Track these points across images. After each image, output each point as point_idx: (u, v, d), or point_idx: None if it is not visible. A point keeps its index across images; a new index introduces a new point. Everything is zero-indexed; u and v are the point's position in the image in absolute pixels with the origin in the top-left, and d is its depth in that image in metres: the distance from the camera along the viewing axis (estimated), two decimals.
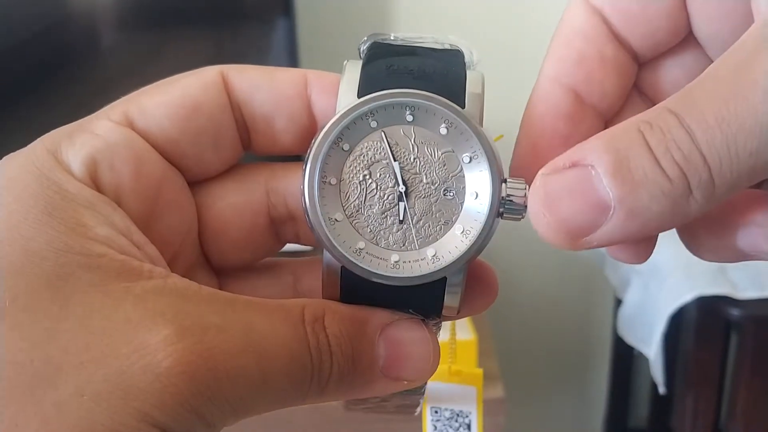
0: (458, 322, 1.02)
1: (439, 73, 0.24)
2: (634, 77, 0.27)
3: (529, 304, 1.55)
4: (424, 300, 0.24)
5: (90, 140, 0.24)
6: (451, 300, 0.24)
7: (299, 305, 0.24)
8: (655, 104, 0.26)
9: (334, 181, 0.24)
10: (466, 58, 0.25)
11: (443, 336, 0.96)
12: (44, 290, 0.21)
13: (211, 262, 0.28)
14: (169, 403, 0.20)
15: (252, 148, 0.27)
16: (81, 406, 0.20)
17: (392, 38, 0.25)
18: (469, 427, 0.46)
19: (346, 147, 0.24)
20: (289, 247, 0.30)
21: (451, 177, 0.24)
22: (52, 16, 1.12)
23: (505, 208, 0.24)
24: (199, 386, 0.21)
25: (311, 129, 0.26)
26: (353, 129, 0.24)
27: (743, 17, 0.23)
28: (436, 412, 0.45)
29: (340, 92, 0.24)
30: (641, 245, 0.26)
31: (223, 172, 0.28)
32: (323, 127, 0.24)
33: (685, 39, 0.26)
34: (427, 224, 0.24)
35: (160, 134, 0.26)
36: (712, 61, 0.22)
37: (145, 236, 0.24)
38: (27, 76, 1.10)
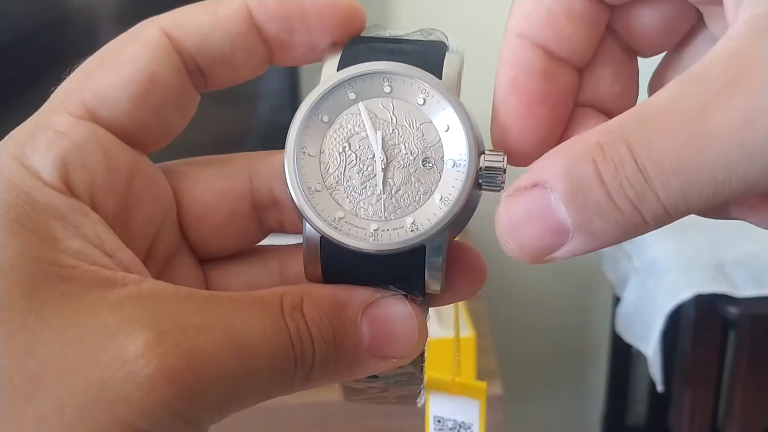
0: (458, 321, 1.02)
1: (417, 51, 0.24)
2: (606, 22, 0.26)
3: (527, 301, 1.55)
4: (406, 275, 0.24)
5: (56, 140, 0.23)
6: (432, 276, 0.24)
7: (277, 295, 0.24)
8: (629, 47, 0.27)
9: (313, 152, 0.24)
10: (450, 46, 0.25)
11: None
12: (18, 301, 0.21)
13: (194, 251, 0.28)
14: (153, 410, 0.20)
15: (211, 87, 0.27)
16: (63, 419, 0.20)
17: (376, 26, 0.26)
18: None
19: (325, 119, 0.24)
20: (277, 240, 0.29)
21: (430, 147, 0.24)
22: (51, 12, 1.12)
23: (483, 179, 0.24)
24: (182, 390, 0.21)
25: (267, 54, 0.26)
26: (332, 101, 0.24)
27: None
28: (439, 421, 0.46)
29: (323, 69, 0.24)
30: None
31: (202, 159, 0.28)
32: (304, 102, 0.24)
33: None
34: (406, 194, 0.24)
35: (124, 118, 0.25)
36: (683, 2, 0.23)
37: (119, 237, 0.24)
38: (25, 73, 1.10)
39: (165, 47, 0.25)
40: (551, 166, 0.22)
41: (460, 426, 0.46)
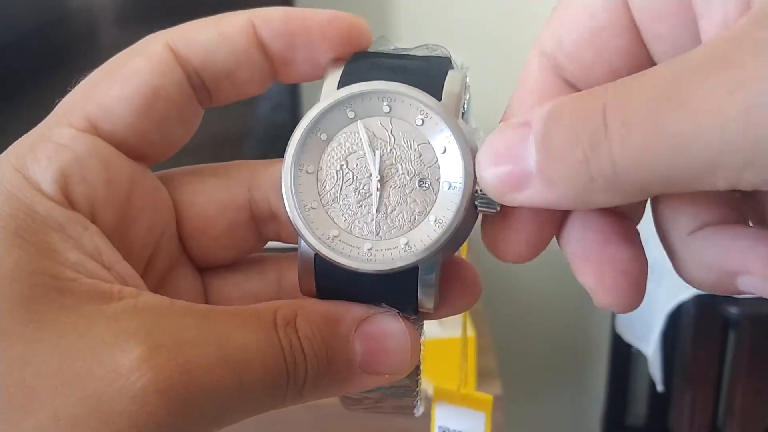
0: (457, 320, 1.02)
1: (419, 70, 0.24)
2: None
3: (527, 301, 1.55)
4: (399, 294, 0.24)
5: (57, 153, 0.24)
6: (424, 295, 0.24)
7: (272, 309, 0.24)
8: None
9: (311, 169, 0.24)
10: (454, 62, 0.25)
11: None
12: (16, 312, 0.21)
13: (193, 261, 0.28)
14: (147, 424, 0.20)
15: (215, 102, 0.27)
16: (59, 430, 0.20)
17: (379, 46, 0.26)
18: None
19: (323, 137, 0.24)
20: (275, 244, 0.29)
21: (427, 168, 0.24)
22: (51, 13, 1.12)
23: (479, 201, 0.24)
24: (175, 404, 0.21)
25: (271, 71, 0.26)
26: (331, 118, 0.24)
27: (696, 39, 0.22)
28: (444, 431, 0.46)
29: (324, 86, 0.24)
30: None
31: (203, 169, 0.28)
32: (303, 119, 0.24)
33: (649, 65, 0.24)
34: (401, 214, 0.24)
35: (127, 132, 0.25)
36: None
37: (118, 250, 0.24)
38: (26, 73, 1.10)
39: (169, 62, 0.25)
40: (542, 107, 0.22)
41: None
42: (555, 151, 0.21)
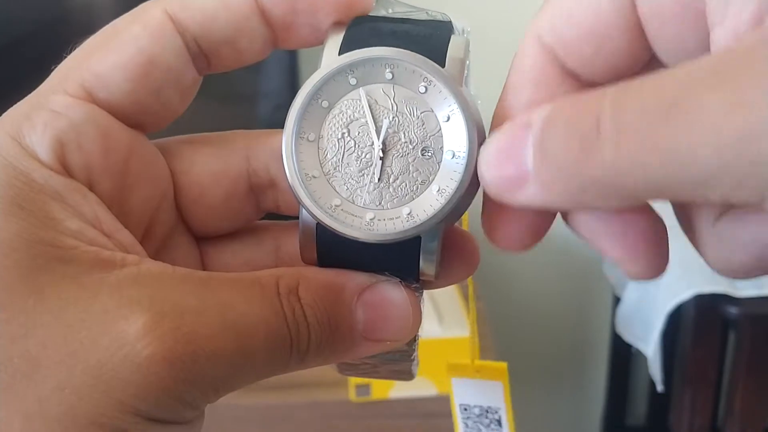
0: (457, 320, 1.03)
1: (422, 36, 0.24)
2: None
3: (527, 301, 1.55)
4: (401, 263, 0.24)
5: (53, 120, 0.23)
6: (426, 263, 0.24)
7: (274, 277, 0.24)
8: None
9: (312, 137, 0.24)
10: (455, 27, 0.25)
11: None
12: (18, 283, 0.21)
13: (191, 230, 0.28)
14: (152, 392, 0.20)
15: (213, 69, 0.27)
16: (63, 400, 0.20)
17: (380, 9, 0.25)
18: (499, 422, 0.45)
19: (325, 104, 0.24)
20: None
21: (430, 136, 0.24)
22: (51, 12, 1.12)
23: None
24: (180, 372, 0.21)
25: (271, 37, 0.26)
26: (332, 85, 0.24)
27: (703, 42, 0.22)
28: (465, 409, 0.45)
29: (324, 52, 0.24)
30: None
31: (200, 138, 0.28)
32: (304, 86, 0.24)
33: (650, 61, 0.24)
34: (404, 183, 0.24)
35: (123, 99, 0.25)
36: None
37: (117, 218, 0.24)
38: (26, 73, 1.10)
39: (167, 29, 0.25)
40: (545, 107, 0.21)
41: (487, 411, 0.45)
42: (550, 154, 0.21)
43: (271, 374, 0.23)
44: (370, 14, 0.25)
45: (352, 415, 1.02)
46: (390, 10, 0.25)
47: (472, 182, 0.24)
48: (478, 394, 0.44)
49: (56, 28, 1.10)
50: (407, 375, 0.28)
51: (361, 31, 0.24)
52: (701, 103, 0.18)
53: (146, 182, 0.26)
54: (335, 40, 0.24)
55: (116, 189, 0.25)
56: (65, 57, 0.25)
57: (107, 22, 0.26)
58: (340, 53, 0.24)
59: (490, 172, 0.22)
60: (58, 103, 0.24)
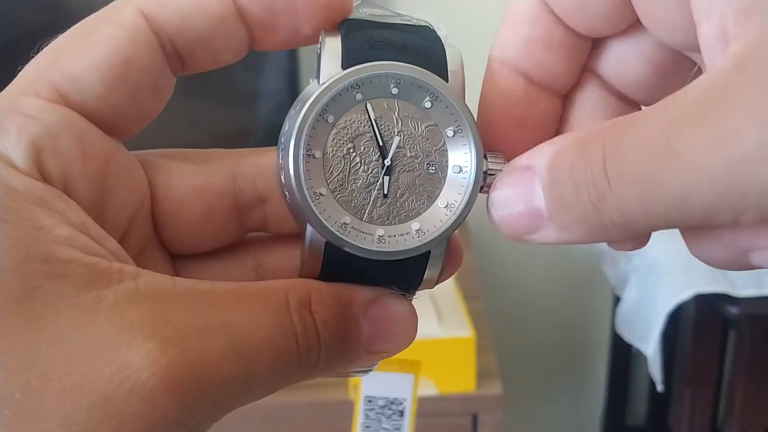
0: (457, 320, 1.02)
1: (419, 47, 0.24)
2: (587, 53, 0.26)
3: (527, 301, 1.55)
4: (406, 274, 0.24)
5: (27, 125, 0.22)
6: (432, 272, 0.25)
7: (283, 289, 0.23)
8: (608, 83, 0.27)
9: (318, 154, 0.23)
10: (438, 34, 0.25)
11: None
12: (12, 309, 0.20)
13: (166, 245, 0.27)
14: (159, 423, 0.20)
15: (188, 70, 0.26)
16: None
17: (359, 5, 0.25)
18: (402, 413, 0.46)
19: (330, 119, 0.24)
20: None
21: (435, 151, 0.24)
22: (52, 12, 1.12)
23: (485, 182, 0.24)
24: (186, 401, 0.20)
25: (247, 38, 0.25)
26: (338, 101, 0.23)
27: (686, 16, 0.22)
28: (370, 401, 0.45)
29: (323, 64, 0.24)
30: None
31: (181, 153, 0.27)
32: (309, 99, 0.23)
33: (636, 22, 0.25)
34: (411, 198, 0.24)
35: (97, 102, 0.24)
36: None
37: (100, 226, 0.23)
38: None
39: (142, 28, 0.24)
40: (543, 152, 0.22)
41: (392, 402, 0.45)
42: (563, 199, 0.22)
43: (277, 389, 0.23)
44: (356, 17, 0.25)
45: (352, 415, 1.02)
46: (365, 11, 0.25)
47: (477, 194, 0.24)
48: (386, 386, 0.44)
49: (56, 29, 1.10)
50: (369, 371, 0.28)
51: (359, 40, 0.24)
52: (689, 141, 0.19)
53: (123, 191, 0.25)
54: (333, 51, 0.24)
55: (94, 196, 0.24)
56: (32, 56, 0.24)
57: None
58: (343, 66, 0.23)
59: (503, 218, 0.24)
60: (31, 106, 0.23)
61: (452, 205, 0.24)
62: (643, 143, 0.20)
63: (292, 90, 1.16)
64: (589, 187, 0.21)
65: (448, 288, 1.09)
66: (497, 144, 0.25)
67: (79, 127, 0.23)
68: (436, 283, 0.26)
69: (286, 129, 0.24)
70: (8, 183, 0.21)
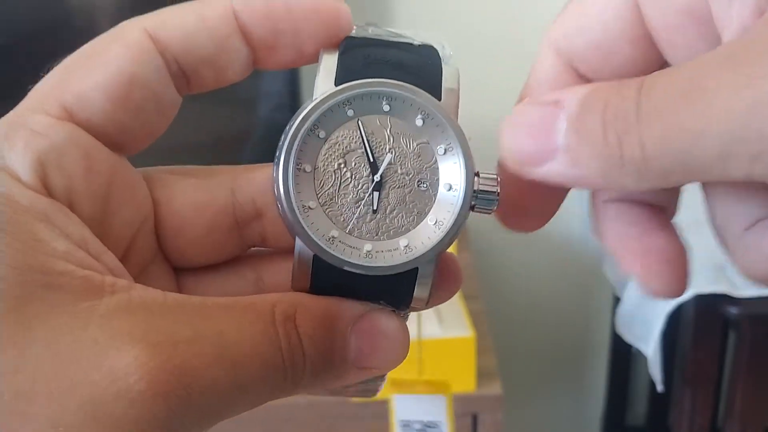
0: (457, 320, 1.03)
1: (416, 66, 0.24)
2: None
3: (527, 301, 1.55)
4: (395, 291, 0.25)
5: (33, 140, 0.23)
6: (421, 291, 0.25)
7: (269, 303, 0.23)
8: None
9: (309, 168, 0.24)
10: (441, 54, 0.25)
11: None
12: (6, 315, 0.20)
13: (169, 260, 0.28)
14: (146, 428, 0.20)
15: (194, 89, 0.26)
16: None
17: (364, 25, 0.26)
18: None
19: (321, 134, 0.24)
20: None
21: (425, 168, 0.24)
22: (53, 12, 1.12)
23: (477, 201, 0.24)
24: (173, 406, 0.20)
25: (251, 58, 0.26)
26: (329, 116, 0.24)
27: (714, 45, 0.23)
28: (406, 425, 0.45)
29: (318, 80, 0.24)
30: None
31: (183, 170, 0.27)
32: (300, 113, 0.24)
33: (664, 66, 0.26)
34: (400, 214, 0.24)
35: (103, 120, 0.24)
36: None
37: (101, 241, 0.24)
38: (26, 74, 1.09)
39: (147, 49, 0.25)
40: (575, 90, 0.23)
41: (427, 426, 0.45)
42: (588, 132, 0.22)
43: (264, 402, 0.23)
44: (358, 35, 0.25)
45: (352, 415, 1.02)
46: (370, 29, 0.26)
47: (467, 213, 0.24)
48: (420, 409, 0.44)
49: (56, 29, 1.10)
50: (373, 393, 0.29)
51: (355, 58, 0.24)
52: (715, 83, 0.20)
53: (127, 207, 0.25)
54: (329, 67, 0.24)
55: (97, 212, 0.24)
56: (42, 77, 0.25)
57: (108, 23, 0.25)
58: (336, 83, 0.24)
59: (514, 144, 0.23)
60: (38, 123, 0.23)
61: (441, 223, 0.24)
62: (672, 85, 0.21)
63: (293, 92, 1.16)
64: (619, 119, 0.21)
65: None
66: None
67: (85, 143, 0.24)
68: (428, 304, 0.26)
69: (280, 143, 0.24)
70: (13, 196, 0.22)
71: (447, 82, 0.24)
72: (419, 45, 0.25)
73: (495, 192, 0.24)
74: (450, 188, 0.24)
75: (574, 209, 1.47)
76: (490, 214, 0.25)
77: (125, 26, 0.25)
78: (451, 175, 0.24)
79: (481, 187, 0.24)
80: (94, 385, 0.20)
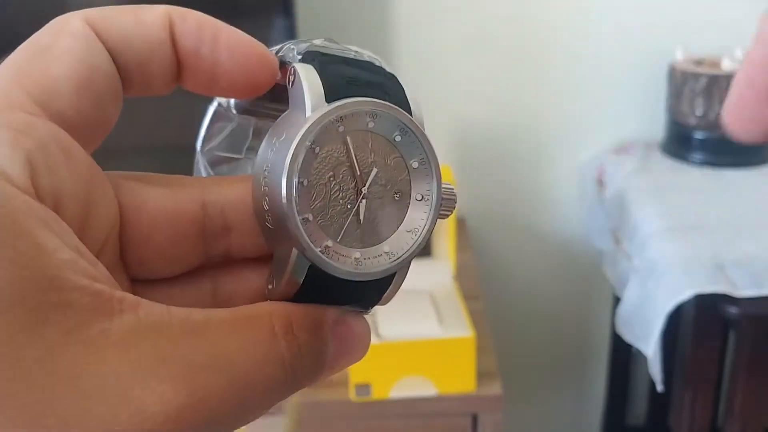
0: (457, 320, 1.03)
1: (382, 84, 0.26)
2: None
3: (527, 301, 1.55)
4: (371, 293, 0.26)
5: (19, 140, 0.21)
6: (390, 292, 0.27)
7: (265, 314, 0.23)
8: None
9: (305, 182, 0.25)
10: (389, 70, 0.27)
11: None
12: (24, 347, 0.19)
13: (127, 269, 0.26)
14: None
15: (126, 93, 0.25)
16: None
17: (317, 43, 0.27)
18: None
19: (317, 149, 0.25)
20: None
21: (400, 180, 0.26)
22: (51, 13, 1.12)
23: (442, 209, 0.27)
24: None
25: (174, 69, 0.25)
26: (324, 132, 0.25)
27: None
28: None
29: (307, 96, 0.25)
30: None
31: (151, 177, 0.27)
32: (300, 129, 0.24)
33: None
34: (380, 223, 0.26)
35: (72, 112, 0.23)
36: None
37: (88, 249, 0.22)
38: None
39: (94, 38, 0.24)
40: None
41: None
42: None
43: (261, 415, 0.24)
44: (326, 51, 0.27)
45: (352, 415, 1.02)
46: (317, 42, 0.27)
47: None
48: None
49: None
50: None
51: (336, 76, 0.26)
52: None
53: (102, 211, 0.24)
54: (313, 82, 0.25)
55: (80, 217, 0.23)
56: None
57: None
58: (328, 100, 0.25)
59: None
60: (17, 121, 0.22)
61: (416, 230, 0.26)
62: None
63: None
64: None
65: (448, 288, 1.09)
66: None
67: (65, 142, 0.23)
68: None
69: (270, 156, 0.25)
70: (10, 202, 0.20)
71: (413, 102, 0.26)
72: (371, 62, 0.27)
73: (454, 200, 0.27)
74: (421, 198, 0.26)
75: (574, 209, 1.47)
76: (446, 218, 0.27)
77: (65, 18, 0.24)
78: (423, 186, 0.26)
79: (444, 197, 0.27)
80: (124, 425, 0.20)
